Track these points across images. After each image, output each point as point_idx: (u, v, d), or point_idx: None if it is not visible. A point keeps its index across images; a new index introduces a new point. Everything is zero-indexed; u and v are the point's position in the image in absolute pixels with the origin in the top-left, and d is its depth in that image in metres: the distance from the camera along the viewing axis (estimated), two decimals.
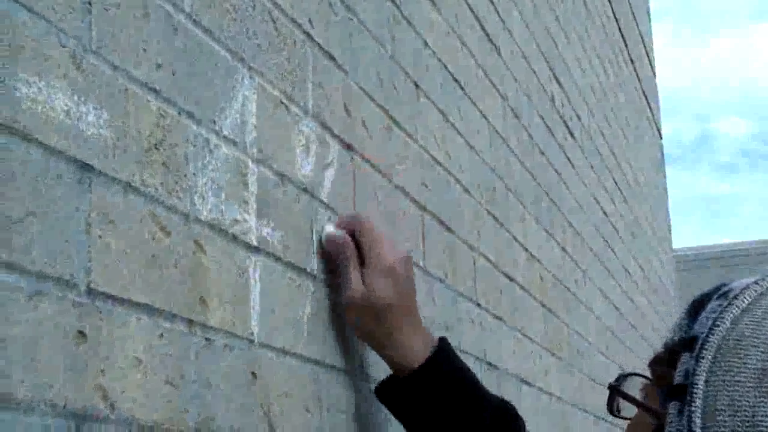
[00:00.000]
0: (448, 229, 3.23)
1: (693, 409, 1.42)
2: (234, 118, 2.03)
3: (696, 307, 1.57)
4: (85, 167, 1.58)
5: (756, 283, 1.51)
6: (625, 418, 1.74)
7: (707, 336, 1.47)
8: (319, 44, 2.44)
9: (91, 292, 1.56)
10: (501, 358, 3.67)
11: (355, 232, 2.31)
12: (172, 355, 1.75)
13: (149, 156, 1.75)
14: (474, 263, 3.46)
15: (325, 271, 2.34)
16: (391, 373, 2.33)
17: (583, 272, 5.31)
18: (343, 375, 2.38)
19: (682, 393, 1.46)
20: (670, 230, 9.58)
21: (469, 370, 2.40)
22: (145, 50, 1.76)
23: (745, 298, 1.49)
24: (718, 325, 1.47)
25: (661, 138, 9.42)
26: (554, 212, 4.79)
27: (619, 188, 6.77)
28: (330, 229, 2.35)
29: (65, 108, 1.54)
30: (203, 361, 1.84)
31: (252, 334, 2.01)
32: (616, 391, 1.71)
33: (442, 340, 2.35)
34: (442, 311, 3.08)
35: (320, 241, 2.34)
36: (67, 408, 1.48)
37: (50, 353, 1.46)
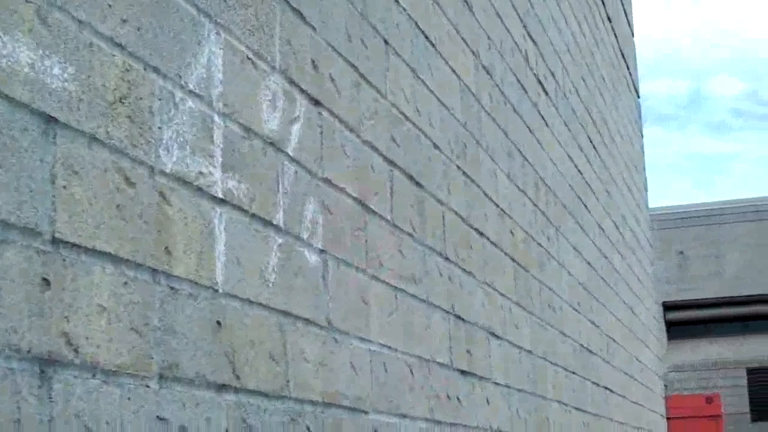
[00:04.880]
0: (417, 184, 3.28)
1: None
2: (200, 73, 2.08)
3: None
4: (50, 119, 1.63)
5: None
6: None
7: None
8: (287, 0, 2.48)
9: (55, 240, 1.61)
10: (470, 312, 3.73)
11: None
12: (136, 303, 1.80)
13: (114, 109, 1.79)
14: (443, 218, 3.51)
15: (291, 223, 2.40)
16: None
17: (555, 229, 5.38)
18: (308, 325, 2.44)
19: None
20: (646, 189, 9.65)
21: None
22: (110, 6, 1.80)
23: None
24: None
25: (638, 97, 9.47)
26: (527, 169, 4.85)
27: (594, 147, 6.82)
28: None
29: (30, 61, 1.59)
30: (168, 309, 1.90)
31: (217, 284, 2.07)
32: None
33: None
34: (410, 264, 3.14)
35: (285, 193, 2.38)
36: (32, 352, 1.54)
37: (15, 299, 1.52)
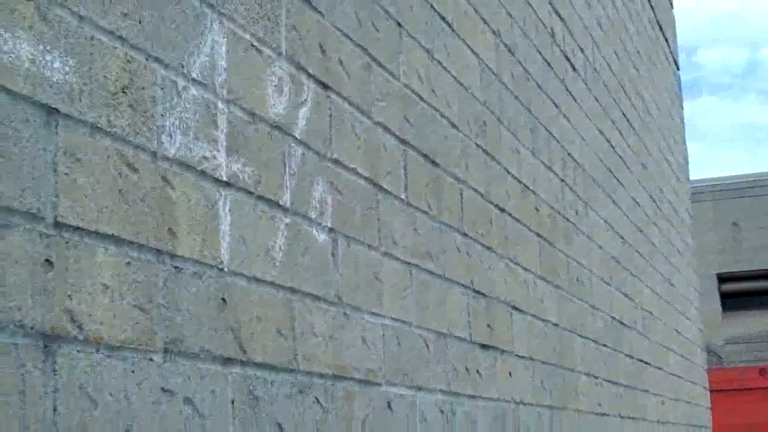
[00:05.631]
0: (433, 162, 3.37)
1: None
2: (203, 62, 2.18)
3: None
4: (52, 111, 1.73)
5: None
6: None
7: None
8: None
9: (58, 224, 1.72)
10: (491, 286, 3.81)
11: None
12: (140, 282, 1.91)
13: (116, 99, 1.90)
14: (461, 195, 3.59)
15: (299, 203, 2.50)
16: None
17: (584, 203, 5.43)
18: (316, 301, 2.54)
19: None
20: (687, 161, 9.63)
21: None
22: (111, 0, 1.90)
23: None
24: None
25: (678, 69, 9.44)
26: (553, 145, 4.90)
27: (628, 120, 6.85)
28: None
29: (30, 57, 1.69)
30: (172, 287, 2.01)
31: (222, 263, 2.17)
32: None
33: None
34: (425, 241, 3.22)
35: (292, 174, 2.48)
36: (36, 328, 1.65)
37: (19, 279, 1.63)
